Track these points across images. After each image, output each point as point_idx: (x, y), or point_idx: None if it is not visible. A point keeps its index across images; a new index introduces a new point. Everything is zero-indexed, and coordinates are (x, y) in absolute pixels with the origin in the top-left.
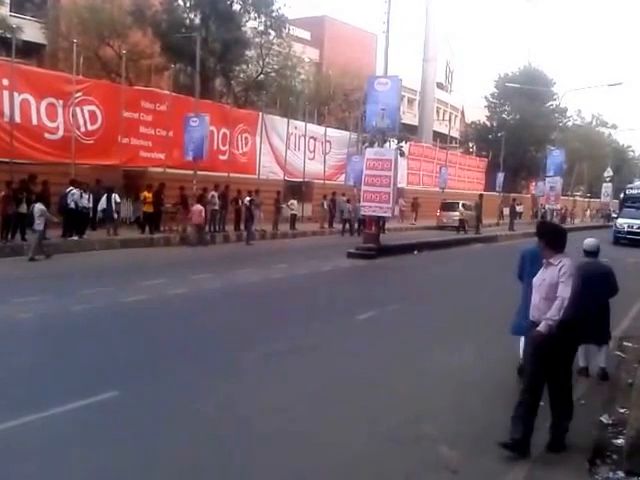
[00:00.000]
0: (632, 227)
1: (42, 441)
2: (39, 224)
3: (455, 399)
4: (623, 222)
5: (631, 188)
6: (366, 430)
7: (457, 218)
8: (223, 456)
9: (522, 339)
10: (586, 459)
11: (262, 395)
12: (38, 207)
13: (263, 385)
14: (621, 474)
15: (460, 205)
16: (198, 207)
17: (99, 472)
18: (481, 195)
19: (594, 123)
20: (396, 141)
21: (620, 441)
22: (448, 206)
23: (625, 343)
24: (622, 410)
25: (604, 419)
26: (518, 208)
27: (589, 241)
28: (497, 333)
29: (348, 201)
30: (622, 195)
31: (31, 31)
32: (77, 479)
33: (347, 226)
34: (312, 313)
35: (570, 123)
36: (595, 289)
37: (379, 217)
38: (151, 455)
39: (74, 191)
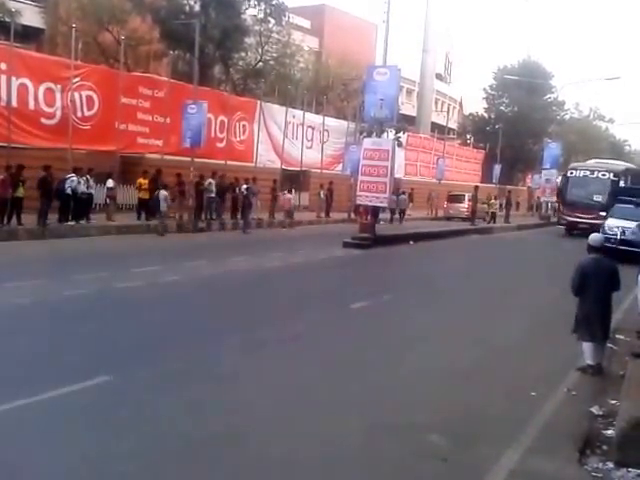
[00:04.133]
0: (625, 233)
1: (33, 425)
2: (163, 206)
3: (444, 388)
4: (615, 225)
5: (576, 169)
6: (355, 419)
7: (464, 209)
8: (211, 442)
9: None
10: (576, 449)
11: (251, 383)
12: (163, 193)
13: (253, 373)
14: (611, 465)
15: (467, 197)
16: (288, 196)
17: (88, 456)
18: (477, 187)
19: (591, 117)
20: (394, 131)
21: (610, 432)
22: (455, 198)
23: (617, 336)
24: (613, 402)
25: (595, 410)
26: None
27: (595, 236)
28: (487, 322)
29: (393, 193)
30: (561, 179)
31: (30, 15)
32: (67, 462)
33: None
34: (306, 302)
35: (567, 116)
36: (603, 285)
37: (375, 207)
38: (139, 440)
39: (73, 177)
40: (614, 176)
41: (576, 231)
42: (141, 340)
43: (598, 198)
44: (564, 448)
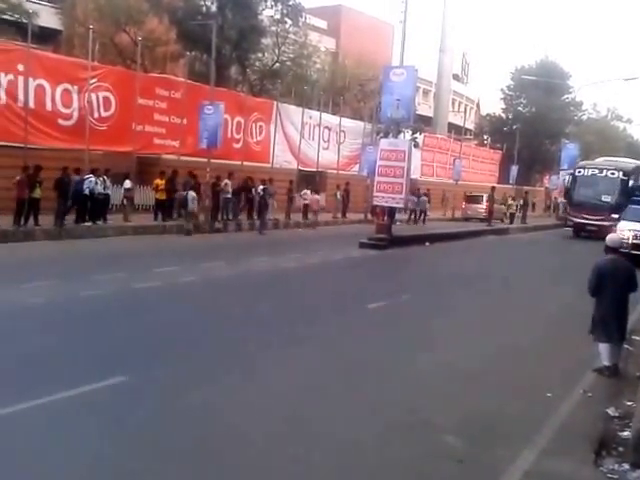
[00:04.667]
0: (638, 237)
1: (49, 425)
2: (192, 207)
3: (461, 388)
4: (627, 228)
5: (583, 168)
6: (371, 418)
7: (482, 210)
8: (226, 442)
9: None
10: (592, 450)
11: (268, 382)
12: (191, 194)
13: (269, 373)
14: (626, 466)
15: (485, 198)
16: (315, 197)
17: (103, 455)
18: (493, 187)
19: (609, 117)
20: (410, 132)
21: (626, 434)
22: (473, 199)
23: (634, 337)
24: (629, 403)
25: (611, 411)
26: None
27: (612, 237)
28: (503, 323)
29: (413, 194)
30: (568, 178)
31: (47, 17)
32: (82, 462)
33: (412, 216)
34: (322, 302)
35: (585, 117)
36: (619, 286)
37: (391, 207)
38: (153, 441)
39: (91, 178)
40: (624, 175)
41: (584, 233)
42: (158, 340)
43: (607, 198)
44: (580, 449)
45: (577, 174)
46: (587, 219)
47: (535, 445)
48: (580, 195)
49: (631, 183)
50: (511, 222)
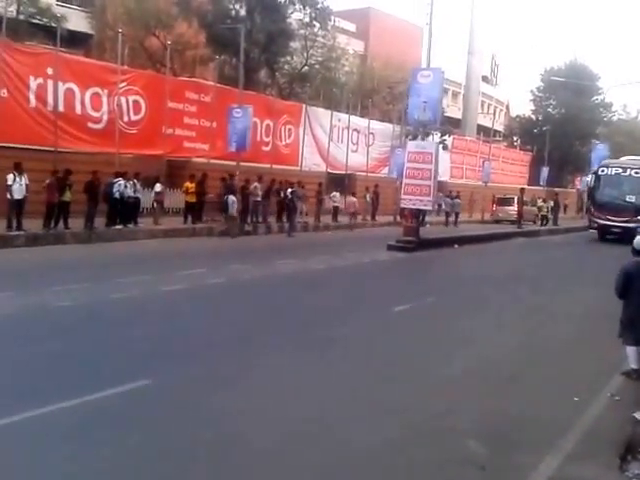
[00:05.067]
0: None
1: (73, 428)
2: (232, 210)
3: (486, 392)
4: None
5: (607, 167)
6: (394, 423)
7: (513, 212)
8: (248, 446)
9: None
10: (617, 455)
11: (291, 385)
12: (231, 198)
13: (292, 376)
14: None
15: (516, 200)
16: (353, 199)
17: (126, 459)
18: (522, 189)
19: (639, 118)
20: (439, 134)
21: None
22: (504, 201)
23: None
24: None
25: (638, 415)
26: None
27: (639, 239)
28: (529, 326)
29: (447, 196)
30: (591, 177)
31: (78, 21)
32: (108, 463)
33: (449, 218)
34: (348, 304)
35: (615, 118)
36: None
37: (419, 210)
38: (175, 446)
39: (120, 181)
40: None
41: (609, 236)
42: (182, 343)
43: (632, 198)
44: (605, 454)
45: (600, 173)
46: (612, 220)
47: (560, 450)
48: (604, 195)
49: None
50: (542, 224)
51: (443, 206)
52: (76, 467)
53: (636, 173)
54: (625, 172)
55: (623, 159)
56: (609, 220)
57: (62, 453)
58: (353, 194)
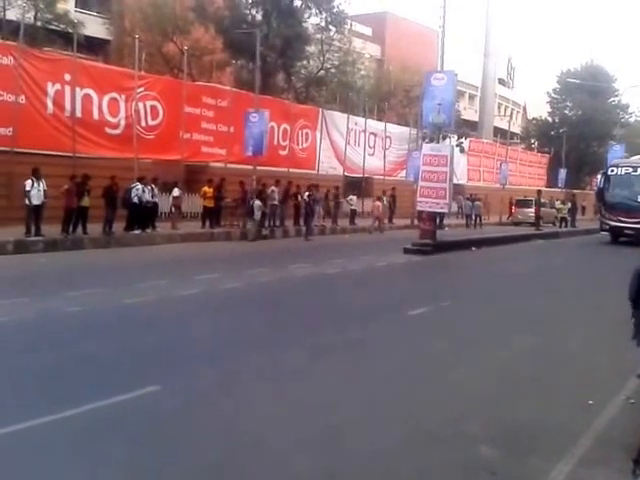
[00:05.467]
0: None
1: (81, 436)
2: (257, 215)
3: (499, 396)
4: None
5: (617, 167)
6: (405, 427)
7: (532, 214)
8: (257, 452)
9: None
10: (631, 459)
11: (304, 391)
12: (257, 203)
13: (306, 380)
14: None
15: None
16: (377, 203)
17: (135, 467)
18: (539, 191)
19: None
20: (456, 137)
21: None
22: (523, 203)
23: None
24: None
25: None
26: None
27: None
28: (545, 329)
29: (468, 199)
30: (601, 178)
31: (96, 27)
32: (112, 473)
33: (469, 220)
34: (364, 308)
35: (632, 119)
36: None
37: (436, 212)
38: (185, 452)
39: (138, 186)
40: None
41: (622, 238)
42: (193, 348)
43: None
44: (619, 459)
45: (610, 173)
46: (624, 222)
47: (572, 454)
48: (614, 196)
49: None
50: (562, 226)
51: (464, 209)
52: (86, 475)
53: None
54: (636, 171)
55: (634, 158)
56: (621, 222)
57: (71, 460)
58: (378, 198)
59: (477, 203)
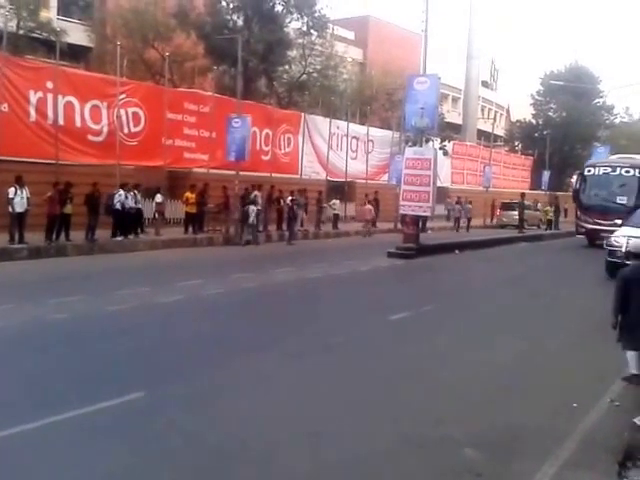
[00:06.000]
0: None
1: (65, 442)
2: (253, 220)
3: (483, 400)
4: (626, 234)
5: (594, 166)
6: (388, 431)
7: (517, 217)
8: (243, 457)
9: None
10: (616, 461)
11: (287, 394)
12: (252, 208)
13: (289, 384)
14: None
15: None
16: (368, 207)
17: (119, 473)
18: (523, 194)
19: None
20: (439, 140)
21: None
22: (508, 206)
23: None
24: None
25: (638, 421)
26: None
27: (637, 243)
28: (528, 332)
29: (456, 203)
30: (576, 178)
31: (78, 34)
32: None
33: (457, 223)
34: (345, 313)
35: (617, 120)
36: None
37: (418, 216)
38: (171, 457)
39: (120, 192)
40: None
41: (599, 241)
42: (177, 355)
43: (622, 200)
44: (604, 461)
45: (587, 174)
46: (601, 224)
47: (557, 457)
48: (591, 197)
49: None
50: (548, 228)
51: (452, 212)
52: None
53: (627, 172)
54: (615, 171)
55: (612, 158)
56: (598, 224)
57: (54, 467)
58: (368, 202)
59: (467, 206)
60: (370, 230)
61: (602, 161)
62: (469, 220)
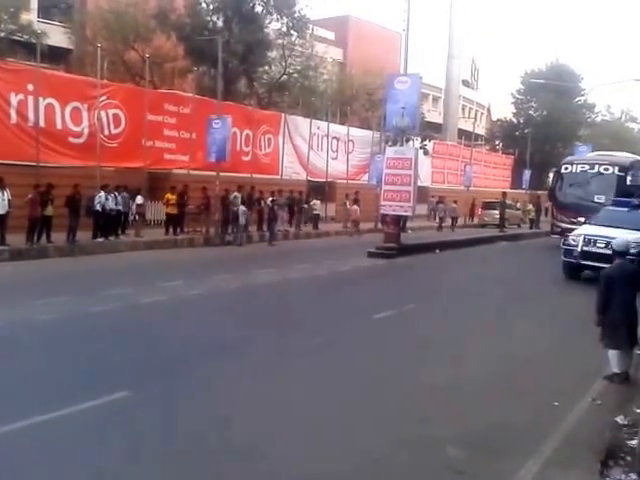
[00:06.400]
0: (597, 244)
1: (50, 441)
2: (242, 220)
3: (465, 398)
4: (583, 233)
5: (571, 164)
6: (372, 430)
7: (497, 216)
8: (227, 457)
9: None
10: (598, 460)
11: (271, 394)
12: (242, 209)
13: (273, 384)
14: (633, 476)
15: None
16: (354, 207)
17: (104, 472)
18: (504, 193)
19: (623, 119)
20: (419, 139)
21: (635, 442)
22: (489, 205)
23: None
24: (639, 411)
25: (620, 420)
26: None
27: (619, 241)
28: (509, 331)
29: (440, 202)
30: (553, 176)
31: (58, 36)
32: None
33: (442, 223)
34: (328, 312)
35: (599, 119)
36: (629, 290)
37: (399, 216)
38: (156, 456)
39: (100, 194)
40: (620, 170)
41: None
42: (161, 355)
43: (600, 199)
44: (586, 459)
45: (564, 171)
46: (577, 224)
47: (540, 455)
48: (568, 196)
49: (629, 180)
50: (532, 227)
51: (437, 211)
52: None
53: (605, 170)
54: (593, 169)
55: (590, 155)
56: (574, 224)
57: (38, 467)
58: (355, 201)
59: (452, 205)
60: (358, 229)
61: (580, 158)
62: (455, 219)
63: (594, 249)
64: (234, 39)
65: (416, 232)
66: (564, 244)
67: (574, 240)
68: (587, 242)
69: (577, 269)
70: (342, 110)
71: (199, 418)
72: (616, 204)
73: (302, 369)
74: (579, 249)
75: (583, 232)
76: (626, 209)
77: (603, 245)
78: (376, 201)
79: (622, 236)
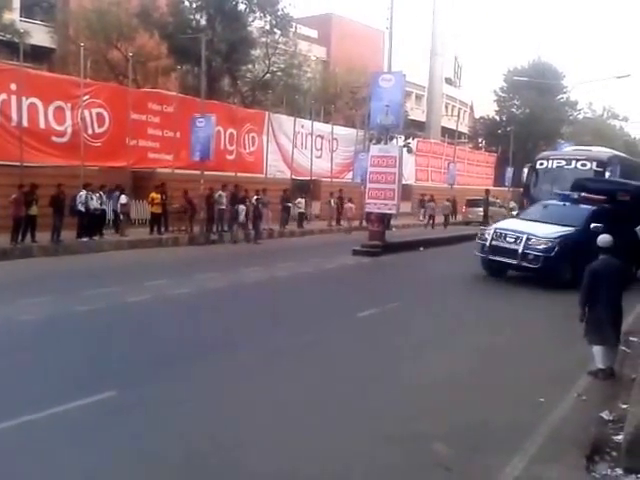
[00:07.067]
0: (531, 242)
1: (38, 441)
2: (242, 218)
3: (450, 396)
4: (499, 227)
5: (547, 159)
6: (360, 428)
7: (482, 213)
8: (216, 455)
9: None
10: (584, 456)
11: (257, 394)
12: (242, 207)
13: (260, 384)
14: (619, 471)
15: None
16: (349, 205)
17: (91, 472)
18: (487, 191)
19: (605, 116)
20: (403, 137)
21: (620, 437)
22: (473, 202)
23: (631, 338)
24: (624, 406)
25: (605, 415)
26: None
27: (604, 237)
28: (494, 327)
29: (430, 200)
30: (527, 172)
31: (41, 36)
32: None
33: (431, 221)
34: (313, 311)
35: (581, 116)
36: (613, 286)
37: (384, 214)
38: (142, 456)
39: (82, 193)
40: (598, 166)
41: None
42: (147, 355)
43: (577, 196)
44: (572, 455)
45: (539, 167)
46: None
47: (526, 451)
48: (543, 192)
49: (607, 176)
50: None
51: (427, 209)
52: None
53: (583, 165)
54: (570, 164)
55: (567, 150)
56: None
57: (25, 467)
58: (350, 200)
59: (445, 204)
60: (352, 227)
61: (556, 153)
62: (447, 217)
63: (502, 244)
64: (217, 37)
65: (400, 230)
66: (478, 238)
67: (488, 234)
68: (497, 236)
69: (492, 264)
70: (326, 108)
71: (185, 417)
72: (559, 198)
73: (289, 368)
74: (488, 243)
75: (496, 226)
76: (562, 203)
77: (513, 240)
78: (360, 199)
79: (544, 231)
